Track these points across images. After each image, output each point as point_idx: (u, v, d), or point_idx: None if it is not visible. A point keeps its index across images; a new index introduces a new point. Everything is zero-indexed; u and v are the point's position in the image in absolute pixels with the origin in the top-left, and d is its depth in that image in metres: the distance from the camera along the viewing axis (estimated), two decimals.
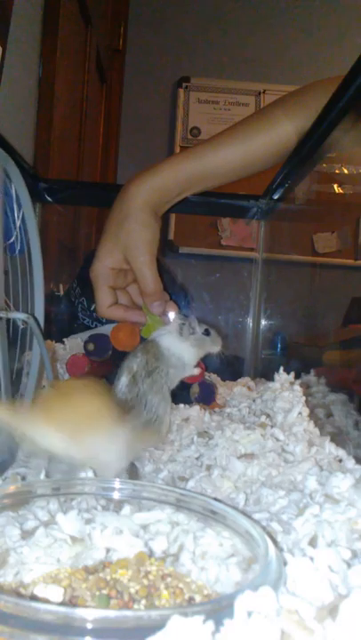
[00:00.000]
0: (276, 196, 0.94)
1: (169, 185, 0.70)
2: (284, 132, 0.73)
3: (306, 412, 0.63)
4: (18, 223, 0.53)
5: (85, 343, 0.80)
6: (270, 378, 0.72)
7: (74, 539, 0.34)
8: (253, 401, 0.70)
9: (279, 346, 1.05)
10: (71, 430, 0.40)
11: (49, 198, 0.97)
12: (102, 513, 0.37)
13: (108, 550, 0.33)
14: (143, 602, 0.29)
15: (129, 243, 0.66)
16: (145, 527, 0.36)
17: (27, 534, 0.35)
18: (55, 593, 0.28)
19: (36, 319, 0.51)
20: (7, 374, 0.49)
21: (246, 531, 0.32)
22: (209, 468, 0.51)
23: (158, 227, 0.68)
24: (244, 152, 0.73)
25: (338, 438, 0.57)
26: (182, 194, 0.72)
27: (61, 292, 1.12)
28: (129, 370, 0.55)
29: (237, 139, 0.73)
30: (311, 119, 0.64)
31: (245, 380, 0.92)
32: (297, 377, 0.71)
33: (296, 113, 0.74)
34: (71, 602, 0.29)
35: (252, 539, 0.31)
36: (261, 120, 0.76)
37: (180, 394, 0.78)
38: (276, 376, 0.70)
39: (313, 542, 0.36)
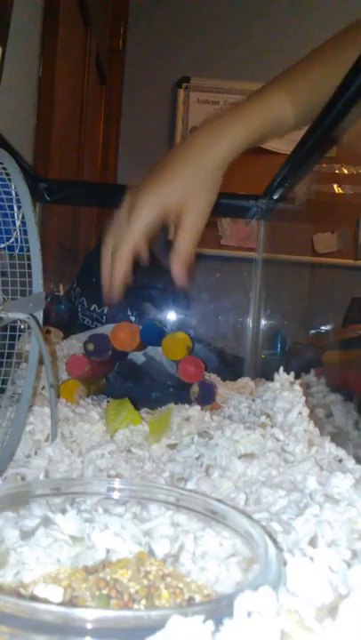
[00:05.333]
0: (275, 196, 0.94)
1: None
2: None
3: (306, 412, 0.62)
4: (18, 223, 0.53)
5: (85, 343, 0.79)
6: (270, 378, 0.72)
7: (74, 539, 0.34)
8: (253, 401, 0.70)
9: (279, 346, 1.05)
10: None
11: (49, 198, 0.97)
12: (102, 513, 0.37)
13: (108, 550, 0.33)
14: (143, 602, 0.29)
15: (196, 191, 0.61)
16: (145, 527, 0.36)
17: (26, 534, 0.34)
18: (55, 593, 0.28)
19: (36, 319, 0.51)
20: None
21: (246, 531, 0.32)
22: (209, 467, 0.51)
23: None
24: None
25: (338, 438, 0.57)
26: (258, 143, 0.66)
27: (61, 292, 1.12)
28: None
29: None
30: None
31: (245, 380, 0.91)
32: (297, 377, 0.71)
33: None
34: (71, 602, 0.29)
35: (252, 539, 0.31)
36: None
37: (180, 394, 0.78)
38: (276, 376, 0.70)
39: (313, 542, 0.36)
